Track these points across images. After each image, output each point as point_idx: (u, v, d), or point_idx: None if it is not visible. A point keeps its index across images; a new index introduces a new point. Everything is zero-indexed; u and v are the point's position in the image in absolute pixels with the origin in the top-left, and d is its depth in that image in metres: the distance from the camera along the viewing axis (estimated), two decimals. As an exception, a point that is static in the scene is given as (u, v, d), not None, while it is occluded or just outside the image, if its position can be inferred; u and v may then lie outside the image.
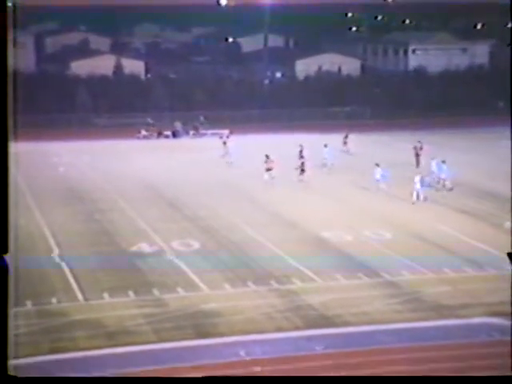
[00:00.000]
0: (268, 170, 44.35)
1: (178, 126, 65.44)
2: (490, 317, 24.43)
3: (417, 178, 40.25)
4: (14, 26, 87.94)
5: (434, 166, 43.89)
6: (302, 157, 46.31)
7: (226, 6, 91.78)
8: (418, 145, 49.63)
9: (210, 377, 19.31)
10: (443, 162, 43.38)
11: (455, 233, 34.66)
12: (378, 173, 41.97)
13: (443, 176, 42.96)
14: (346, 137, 56.25)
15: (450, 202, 40.91)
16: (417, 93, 78.41)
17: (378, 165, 42.10)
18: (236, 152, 51.72)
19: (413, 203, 39.58)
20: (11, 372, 10.06)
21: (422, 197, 39.90)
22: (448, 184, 42.82)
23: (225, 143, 54.51)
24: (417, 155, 48.97)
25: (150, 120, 66.28)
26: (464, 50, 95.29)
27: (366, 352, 22.05)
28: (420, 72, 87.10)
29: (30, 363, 20.90)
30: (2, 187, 11.91)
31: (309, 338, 22.99)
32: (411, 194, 39.90)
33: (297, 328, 23.95)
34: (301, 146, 47.68)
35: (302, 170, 44.90)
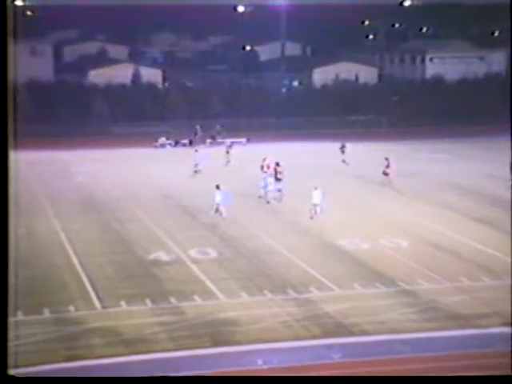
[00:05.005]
0: (278, 179, 44.29)
1: (199, 129, 65.37)
2: (506, 326, 24.33)
3: (315, 193, 38.52)
4: (33, 35, 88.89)
5: (268, 179, 42.87)
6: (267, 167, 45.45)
7: (243, 13, 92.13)
8: (385, 162, 47.17)
9: (214, 376, 19.36)
10: (275, 178, 42.82)
11: (471, 241, 34.57)
12: (218, 195, 38.68)
13: (279, 187, 42.27)
14: (343, 146, 55.87)
15: (466, 210, 40.85)
16: (434, 101, 78.20)
17: (218, 187, 38.75)
18: (249, 160, 51.84)
19: (311, 217, 38.34)
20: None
21: (319, 211, 38.33)
22: (279, 195, 42.31)
23: (227, 152, 54.96)
24: (385, 173, 46.92)
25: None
26: (481, 58, 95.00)
27: (383, 361, 22.04)
28: (437, 80, 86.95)
29: (47, 370, 21.03)
30: (2, 203, 11.98)
31: (326, 347, 23.01)
32: (310, 211, 38.48)
33: (314, 337, 23.95)
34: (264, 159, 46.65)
35: (278, 179, 44.12)
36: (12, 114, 13.21)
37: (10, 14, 13.08)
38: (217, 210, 38.67)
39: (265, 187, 42.57)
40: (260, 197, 42.62)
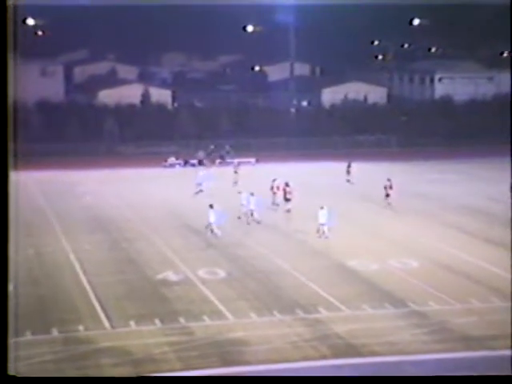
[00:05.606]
0: (287, 200, 44.54)
1: (201, 155, 65.53)
2: (517, 348, 24.18)
3: (321, 212, 38.48)
4: (44, 55, 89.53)
5: (243, 199, 42.63)
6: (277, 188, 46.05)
7: (253, 33, 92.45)
8: (388, 183, 47.03)
9: (215, 376, 19.23)
10: (252, 194, 42.40)
11: (482, 263, 34.44)
12: (212, 215, 38.73)
13: (252, 207, 41.95)
14: (349, 166, 55.96)
15: (475, 231, 40.75)
16: (443, 122, 78.19)
17: (211, 206, 38.95)
18: (258, 181, 51.84)
19: (319, 237, 38.36)
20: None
21: (326, 231, 38.36)
22: (256, 215, 41.98)
23: (236, 172, 55.00)
24: (387, 195, 46.70)
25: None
26: (490, 79, 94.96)
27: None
28: (446, 101, 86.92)
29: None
30: (3, 222, 12.06)
31: (335, 368, 22.90)
32: (317, 231, 38.55)
33: (323, 357, 23.88)
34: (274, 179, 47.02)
35: (287, 199, 44.60)
36: (13, 135, 13.27)
37: (10, 33, 13.14)
38: (212, 231, 38.69)
39: (247, 206, 42.32)
40: (240, 217, 42.33)
